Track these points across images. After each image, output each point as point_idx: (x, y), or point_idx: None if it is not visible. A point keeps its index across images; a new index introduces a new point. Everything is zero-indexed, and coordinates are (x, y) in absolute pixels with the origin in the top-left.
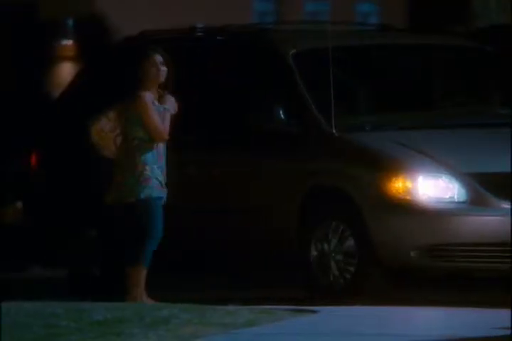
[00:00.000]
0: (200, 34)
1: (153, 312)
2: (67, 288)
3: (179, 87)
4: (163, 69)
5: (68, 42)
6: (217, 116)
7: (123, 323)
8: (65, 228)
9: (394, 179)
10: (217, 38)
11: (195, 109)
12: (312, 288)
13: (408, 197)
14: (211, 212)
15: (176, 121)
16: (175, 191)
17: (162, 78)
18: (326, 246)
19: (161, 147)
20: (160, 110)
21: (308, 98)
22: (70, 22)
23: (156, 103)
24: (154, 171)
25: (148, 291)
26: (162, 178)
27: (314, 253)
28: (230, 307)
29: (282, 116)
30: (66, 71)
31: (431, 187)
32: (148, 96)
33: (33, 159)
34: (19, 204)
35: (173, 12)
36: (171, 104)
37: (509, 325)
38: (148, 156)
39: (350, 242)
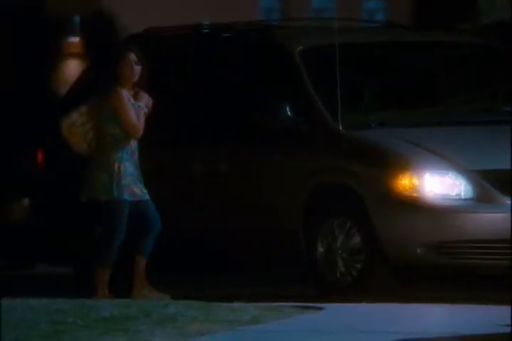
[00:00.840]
0: (206, 31)
1: (160, 309)
2: (73, 285)
3: (185, 84)
4: (138, 67)
5: (75, 40)
6: (222, 114)
7: (129, 320)
8: (71, 225)
9: (400, 176)
10: (224, 35)
11: (201, 106)
12: (318, 285)
13: (415, 194)
14: (216, 209)
15: (181, 119)
16: (179, 189)
17: (136, 76)
18: (332, 243)
19: (133, 143)
20: (135, 107)
21: (315, 95)
22: (77, 19)
23: (132, 100)
24: (128, 168)
25: (154, 288)
26: (137, 174)
27: (321, 250)
28: (236, 305)
29: (289, 113)
30: (73, 68)
31: (437, 184)
32: (124, 93)
33: (40, 157)
34: (25, 202)
35: (179, 9)
36: (146, 102)
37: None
38: (123, 153)
39: (357, 239)
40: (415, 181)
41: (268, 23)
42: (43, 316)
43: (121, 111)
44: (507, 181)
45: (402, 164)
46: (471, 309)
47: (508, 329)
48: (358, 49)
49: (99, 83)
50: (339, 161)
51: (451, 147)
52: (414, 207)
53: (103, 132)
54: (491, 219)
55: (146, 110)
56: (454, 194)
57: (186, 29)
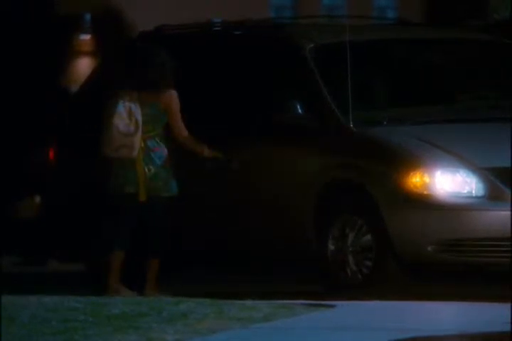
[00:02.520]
0: (217, 29)
1: (171, 306)
2: (85, 282)
3: (196, 82)
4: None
5: (86, 37)
6: (233, 112)
7: (141, 317)
8: (82, 222)
9: (412, 174)
10: (235, 32)
11: (212, 104)
12: (330, 283)
13: (426, 192)
14: (227, 207)
15: (191, 117)
16: (192, 186)
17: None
18: (343, 241)
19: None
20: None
21: (326, 92)
22: (88, 17)
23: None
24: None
25: (166, 286)
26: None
27: (332, 247)
28: (248, 302)
29: (300, 110)
30: (84, 66)
31: (448, 182)
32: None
33: (51, 154)
34: (37, 199)
35: (190, 7)
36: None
37: None
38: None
39: (368, 237)
40: (426, 179)
41: (279, 20)
42: (54, 313)
43: (177, 112)
44: None
45: (413, 162)
46: (482, 307)
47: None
48: (368, 46)
49: (148, 81)
50: (350, 159)
51: (463, 144)
52: (425, 204)
53: (154, 131)
54: (502, 217)
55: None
56: (465, 192)
57: (197, 27)
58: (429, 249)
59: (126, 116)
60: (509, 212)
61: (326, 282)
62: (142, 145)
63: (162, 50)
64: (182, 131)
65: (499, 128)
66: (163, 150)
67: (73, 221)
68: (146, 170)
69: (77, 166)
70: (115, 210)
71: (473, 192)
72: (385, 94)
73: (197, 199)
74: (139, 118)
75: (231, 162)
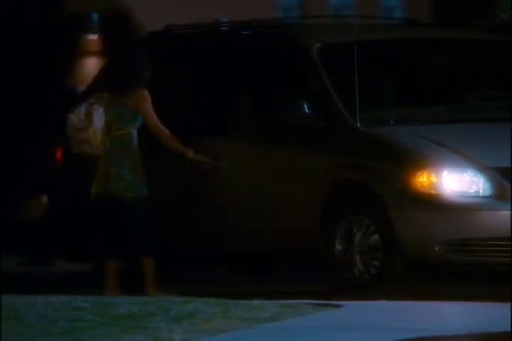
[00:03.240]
0: (225, 29)
1: (179, 306)
2: (92, 282)
3: (204, 81)
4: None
5: (94, 37)
6: (240, 111)
7: (148, 317)
8: (89, 222)
9: (419, 173)
10: (242, 32)
11: (219, 103)
12: (337, 283)
13: (433, 192)
14: (233, 207)
15: (198, 116)
16: (196, 186)
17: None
18: (350, 240)
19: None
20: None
21: (333, 92)
22: (96, 16)
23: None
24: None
25: (171, 285)
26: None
27: (339, 247)
28: (255, 302)
29: (307, 110)
30: (91, 65)
31: (456, 182)
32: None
33: (58, 154)
34: (43, 199)
35: (198, 7)
36: None
37: None
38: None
39: (375, 237)
40: (433, 178)
41: (286, 20)
42: (61, 313)
43: (149, 112)
44: None
45: (420, 161)
46: (489, 307)
47: None
48: (376, 46)
49: (118, 81)
50: (357, 158)
51: (470, 144)
52: (433, 204)
53: (120, 130)
54: (510, 217)
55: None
56: (472, 191)
57: (205, 26)
58: (437, 248)
59: (84, 113)
60: None
61: (333, 282)
62: (108, 144)
63: (137, 51)
64: (161, 131)
65: (507, 128)
66: (131, 151)
67: (79, 221)
68: (110, 169)
69: (85, 166)
70: (95, 212)
71: (481, 191)
72: (392, 94)
73: (203, 199)
74: (99, 116)
75: (217, 163)
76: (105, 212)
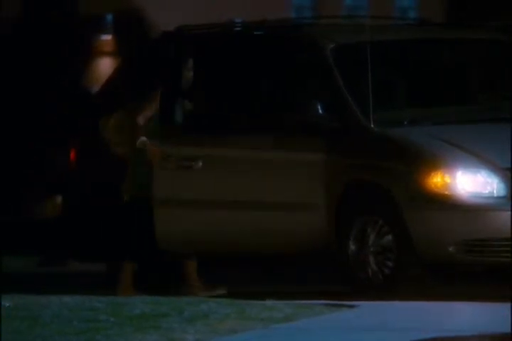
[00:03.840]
0: (238, 29)
1: (192, 306)
2: (106, 282)
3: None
4: None
5: (107, 38)
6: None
7: (162, 317)
8: (103, 223)
9: (432, 174)
10: (256, 33)
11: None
12: (350, 283)
13: (447, 192)
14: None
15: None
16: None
17: None
18: (364, 241)
19: None
20: None
21: (346, 93)
22: (110, 17)
23: None
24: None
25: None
26: None
27: (352, 247)
28: (268, 302)
29: (320, 110)
30: (105, 66)
31: (470, 182)
32: None
33: (72, 154)
34: (58, 199)
35: (211, 7)
36: None
37: None
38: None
39: (389, 237)
40: (447, 179)
41: (300, 20)
42: (75, 313)
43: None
44: None
45: (434, 162)
46: (503, 307)
47: None
48: (390, 47)
49: (144, 84)
50: (371, 159)
51: (484, 145)
52: (446, 205)
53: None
54: None
55: None
56: (486, 192)
57: (218, 27)
58: (450, 249)
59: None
60: None
61: (347, 282)
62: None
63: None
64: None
65: None
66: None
67: (94, 221)
68: (140, 170)
69: (98, 167)
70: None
71: (495, 192)
72: (406, 94)
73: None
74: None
75: (193, 163)
76: (136, 213)
